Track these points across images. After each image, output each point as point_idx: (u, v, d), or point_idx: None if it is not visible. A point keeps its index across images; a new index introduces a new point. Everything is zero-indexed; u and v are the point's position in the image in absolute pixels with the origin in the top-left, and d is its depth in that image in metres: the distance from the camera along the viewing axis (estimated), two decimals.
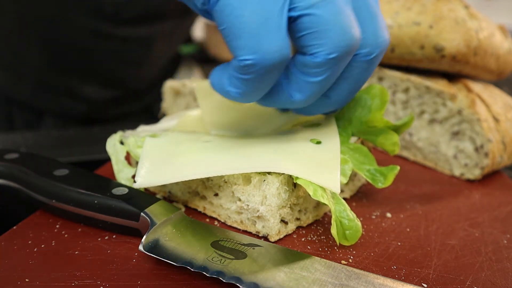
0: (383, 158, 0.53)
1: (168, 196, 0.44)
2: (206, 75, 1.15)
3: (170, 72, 0.98)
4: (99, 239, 0.37)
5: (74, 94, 0.82)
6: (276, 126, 0.46)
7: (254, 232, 0.39)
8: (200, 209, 0.42)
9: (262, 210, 0.37)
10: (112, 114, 0.88)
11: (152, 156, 0.41)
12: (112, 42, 0.78)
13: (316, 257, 0.33)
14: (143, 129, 0.50)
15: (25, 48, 0.77)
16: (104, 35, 0.77)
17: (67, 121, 0.85)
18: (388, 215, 0.43)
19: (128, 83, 0.87)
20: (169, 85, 0.67)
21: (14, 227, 0.39)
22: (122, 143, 0.45)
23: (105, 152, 0.44)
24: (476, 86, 0.57)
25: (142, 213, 0.36)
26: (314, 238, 0.38)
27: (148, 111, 0.93)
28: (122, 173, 0.43)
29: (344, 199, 0.46)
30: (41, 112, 0.84)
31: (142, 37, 0.80)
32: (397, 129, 0.44)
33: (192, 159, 0.39)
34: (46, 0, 0.72)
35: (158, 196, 0.45)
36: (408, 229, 0.40)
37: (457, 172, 0.55)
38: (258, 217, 0.38)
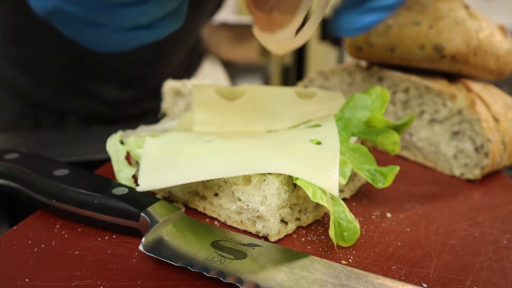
0: (383, 158, 0.53)
1: (168, 196, 0.44)
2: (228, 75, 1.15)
3: (193, 67, 0.98)
4: (99, 239, 0.37)
5: (94, 96, 0.84)
6: (272, 128, 0.46)
7: (254, 232, 0.39)
8: (200, 209, 0.42)
9: (262, 210, 0.37)
10: (133, 112, 0.89)
11: (153, 157, 0.41)
12: None
13: (316, 257, 0.33)
14: (143, 129, 0.50)
15: (43, 53, 0.79)
16: None
17: (90, 121, 0.87)
18: (388, 215, 0.43)
19: (147, 82, 0.88)
20: (169, 85, 0.67)
21: (14, 227, 0.39)
22: (122, 142, 0.45)
23: (105, 152, 0.44)
24: (476, 86, 0.57)
25: (142, 213, 0.36)
26: (314, 238, 0.38)
27: None
28: (122, 173, 0.43)
29: (344, 199, 0.46)
30: (65, 113, 0.86)
31: None
32: (397, 129, 0.44)
33: (193, 161, 0.39)
34: None
35: (158, 196, 0.45)
36: (408, 229, 0.40)
37: (457, 172, 0.54)
38: (258, 217, 0.38)
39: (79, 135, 0.71)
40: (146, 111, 0.91)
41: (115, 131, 0.46)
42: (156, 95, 0.91)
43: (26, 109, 0.85)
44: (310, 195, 0.35)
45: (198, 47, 0.99)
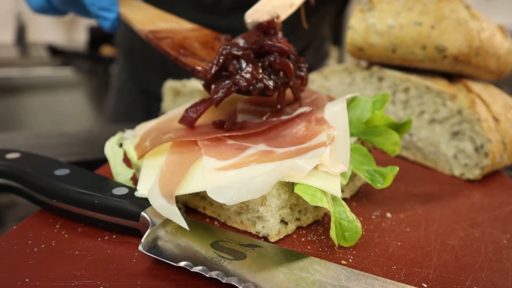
0: (383, 158, 0.53)
1: None
2: None
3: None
4: (99, 239, 0.37)
5: None
6: None
7: (254, 233, 0.39)
8: (200, 209, 0.42)
9: (262, 210, 0.37)
10: None
11: (153, 165, 0.41)
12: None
13: (315, 258, 0.33)
14: (142, 128, 0.50)
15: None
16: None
17: None
18: (388, 215, 0.43)
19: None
20: (169, 85, 0.67)
21: (14, 227, 0.39)
22: (121, 145, 0.45)
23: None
24: (476, 86, 0.57)
25: (142, 213, 0.36)
26: (314, 238, 0.38)
27: None
28: (120, 176, 0.43)
29: (344, 199, 0.46)
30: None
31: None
32: (396, 129, 0.44)
33: (192, 169, 0.39)
34: None
35: None
36: (408, 229, 0.40)
37: (457, 172, 0.54)
38: (258, 217, 0.38)
39: (79, 135, 0.71)
40: None
41: (105, 132, 0.46)
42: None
43: (140, 98, 0.91)
44: (307, 199, 0.34)
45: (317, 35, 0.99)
